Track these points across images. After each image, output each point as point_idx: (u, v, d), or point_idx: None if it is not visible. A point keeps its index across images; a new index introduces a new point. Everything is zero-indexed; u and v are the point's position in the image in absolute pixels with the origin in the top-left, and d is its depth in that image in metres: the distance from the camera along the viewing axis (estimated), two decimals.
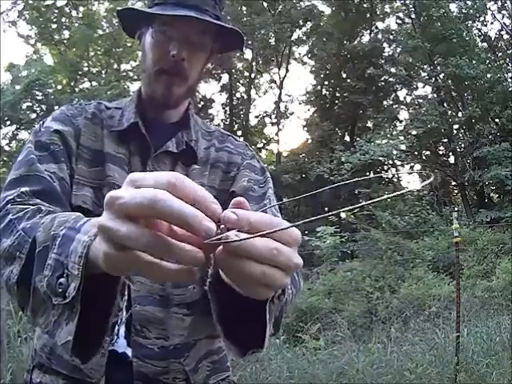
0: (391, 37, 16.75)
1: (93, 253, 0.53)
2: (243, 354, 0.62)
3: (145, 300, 0.92)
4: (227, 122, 18.75)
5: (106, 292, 0.57)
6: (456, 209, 12.57)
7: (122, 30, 1.06)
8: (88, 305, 0.56)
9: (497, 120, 13.65)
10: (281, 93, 18.97)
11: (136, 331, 0.91)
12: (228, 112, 19.70)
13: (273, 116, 19.54)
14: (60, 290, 0.56)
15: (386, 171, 17.93)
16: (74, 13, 18.68)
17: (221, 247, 0.46)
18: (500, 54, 14.39)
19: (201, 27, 0.93)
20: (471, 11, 13.84)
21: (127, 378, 0.90)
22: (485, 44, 14.70)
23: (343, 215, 12.37)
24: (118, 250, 0.46)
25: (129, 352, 0.91)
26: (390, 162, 16.32)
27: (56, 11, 17.92)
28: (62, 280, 0.56)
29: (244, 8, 18.33)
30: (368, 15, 17.93)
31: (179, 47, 0.93)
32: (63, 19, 18.39)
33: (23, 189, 0.83)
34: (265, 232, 0.44)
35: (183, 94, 0.99)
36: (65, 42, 18.71)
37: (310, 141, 18.82)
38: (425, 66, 15.35)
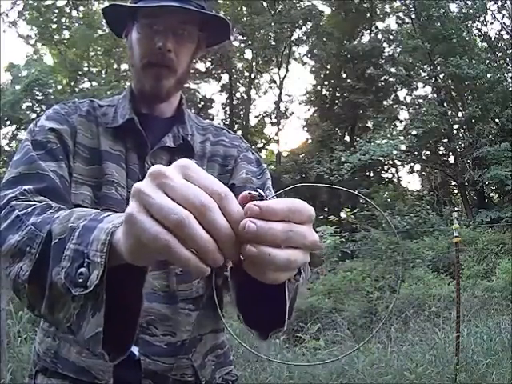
0: (391, 37, 16.78)
1: (116, 240, 0.51)
2: (265, 337, 0.63)
3: (150, 297, 0.90)
4: (227, 122, 18.74)
5: (130, 284, 0.55)
6: (456, 209, 12.59)
7: (111, 30, 1.05)
8: (113, 299, 0.54)
9: (497, 120, 13.66)
10: (281, 93, 19.01)
11: (142, 329, 0.90)
12: (228, 112, 19.71)
13: (273, 116, 19.58)
14: (80, 281, 0.54)
15: (387, 171, 17.97)
16: (74, 13, 18.73)
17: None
18: (500, 54, 14.39)
19: (185, 17, 0.93)
20: (471, 11, 13.85)
21: (135, 377, 0.89)
22: (485, 44, 14.71)
23: (343, 215, 12.36)
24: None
25: (135, 350, 0.90)
26: (390, 162, 16.34)
27: (56, 11, 17.95)
28: (82, 270, 0.55)
29: (244, 8, 18.35)
30: (368, 15, 17.95)
31: (165, 39, 0.93)
32: (63, 19, 18.42)
33: (25, 187, 0.79)
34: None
35: (173, 86, 0.99)
36: (65, 41, 18.72)
37: (310, 141, 18.84)
38: (425, 66, 15.36)
